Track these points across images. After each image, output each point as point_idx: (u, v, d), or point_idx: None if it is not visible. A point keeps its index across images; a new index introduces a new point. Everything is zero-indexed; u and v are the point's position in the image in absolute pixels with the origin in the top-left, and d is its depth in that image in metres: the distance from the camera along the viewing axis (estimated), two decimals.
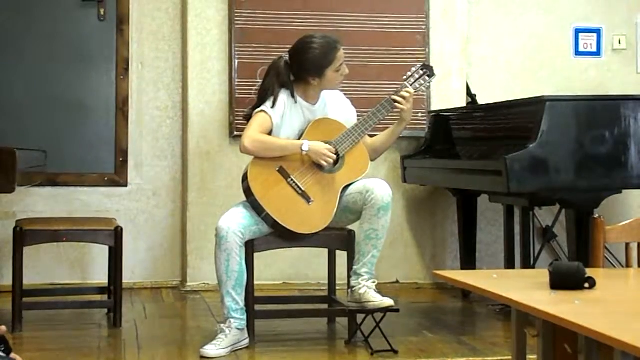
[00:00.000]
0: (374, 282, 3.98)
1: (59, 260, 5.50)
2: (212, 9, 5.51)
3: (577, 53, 6.07)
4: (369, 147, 4.17)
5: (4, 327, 2.27)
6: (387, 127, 4.23)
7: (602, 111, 4.20)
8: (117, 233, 4.39)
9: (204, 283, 5.46)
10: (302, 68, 4.04)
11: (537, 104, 4.19)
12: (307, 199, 3.98)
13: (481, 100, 5.76)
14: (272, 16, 5.49)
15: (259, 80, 4.83)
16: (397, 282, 5.68)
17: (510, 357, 2.67)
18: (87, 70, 5.61)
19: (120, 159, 5.62)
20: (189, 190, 5.51)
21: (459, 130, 5.20)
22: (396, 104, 4.06)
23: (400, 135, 4.27)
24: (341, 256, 4.21)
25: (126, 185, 5.63)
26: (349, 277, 4.04)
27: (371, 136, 4.21)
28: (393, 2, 5.62)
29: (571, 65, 6.05)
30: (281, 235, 4.01)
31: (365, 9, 5.58)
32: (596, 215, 2.69)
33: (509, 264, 4.83)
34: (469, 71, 5.86)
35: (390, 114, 4.12)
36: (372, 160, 4.20)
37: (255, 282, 4.06)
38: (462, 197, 5.34)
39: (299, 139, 4.03)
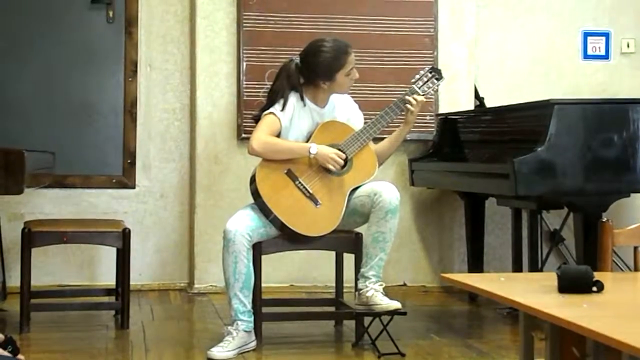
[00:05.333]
0: (381, 285, 3.98)
1: (66, 261, 5.51)
2: (220, 11, 5.51)
3: (586, 56, 6.06)
4: None
5: (1, 335, 2.27)
6: (394, 131, 4.22)
7: (610, 115, 4.19)
8: (125, 235, 4.39)
9: (211, 285, 5.46)
10: (312, 71, 4.05)
11: (545, 107, 4.18)
12: (315, 201, 3.98)
13: (489, 103, 5.75)
14: (280, 19, 5.49)
15: (267, 83, 4.85)
16: (405, 285, 5.68)
17: None
18: (96, 72, 5.62)
19: (128, 161, 5.63)
20: (197, 192, 5.51)
21: (466, 133, 5.20)
22: (407, 105, 4.05)
23: (408, 138, 4.29)
24: (348, 259, 4.22)
25: (134, 187, 5.64)
26: (356, 279, 4.03)
27: (377, 141, 4.20)
28: (401, 5, 5.62)
29: (579, 69, 6.04)
30: (289, 238, 4.01)
31: (373, 11, 5.58)
32: (604, 219, 2.69)
33: (517, 267, 4.82)
34: (477, 74, 5.85)
35: (397, 118, 4.13)
36: None
37: (263, 285, 4.06)
38: (470, 200, 5.33)
39: (307, 141, 4.04)
